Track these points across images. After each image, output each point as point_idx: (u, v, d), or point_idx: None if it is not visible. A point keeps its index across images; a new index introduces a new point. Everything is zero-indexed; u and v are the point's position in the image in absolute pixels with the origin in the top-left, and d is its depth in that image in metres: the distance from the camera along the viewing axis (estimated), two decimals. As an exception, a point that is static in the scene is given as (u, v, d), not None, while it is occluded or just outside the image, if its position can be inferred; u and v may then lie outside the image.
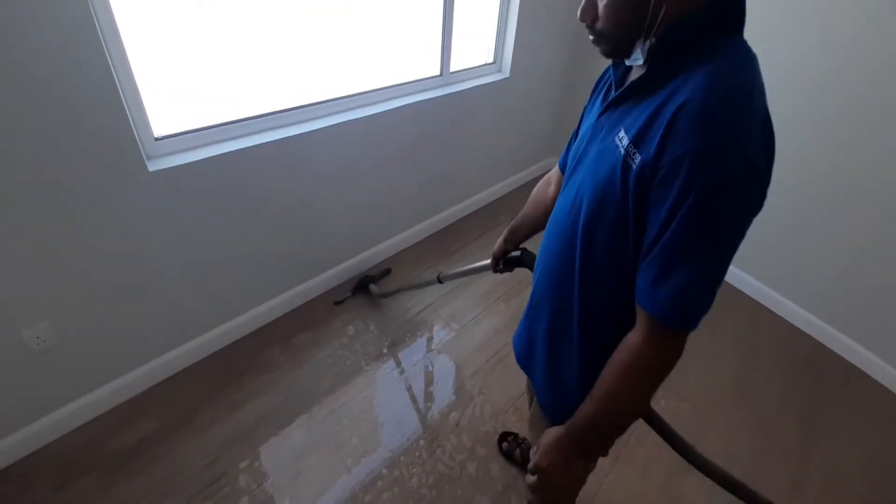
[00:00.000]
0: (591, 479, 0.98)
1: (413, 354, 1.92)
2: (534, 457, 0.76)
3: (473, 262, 1.40)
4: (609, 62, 0.74)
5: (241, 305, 1.85)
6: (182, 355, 1.72)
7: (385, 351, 1.92)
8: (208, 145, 1.51)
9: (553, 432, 0.75)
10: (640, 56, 0.62)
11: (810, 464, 1.65)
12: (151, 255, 1.48)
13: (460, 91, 2.18)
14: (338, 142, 1.80)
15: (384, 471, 1.51)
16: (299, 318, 2.00)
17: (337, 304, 2.07)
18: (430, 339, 1.99)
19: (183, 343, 1.72)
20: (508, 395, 1.78)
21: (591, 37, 0.67)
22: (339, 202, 1.96)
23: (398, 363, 1.88)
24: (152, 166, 1.37)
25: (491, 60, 2.42)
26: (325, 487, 1.46)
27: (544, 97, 2.82)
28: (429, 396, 1.77)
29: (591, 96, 0.83)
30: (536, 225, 1.09)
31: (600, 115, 0.72)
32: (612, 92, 0.72)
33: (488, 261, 1.27)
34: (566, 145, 0.92)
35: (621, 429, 0.72)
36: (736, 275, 2.37)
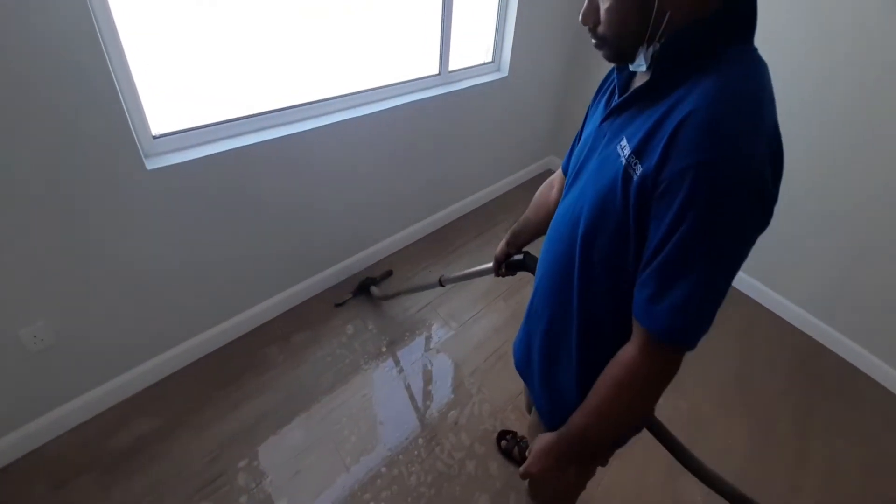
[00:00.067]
0: (591, 479, 0.99)
1: (412, 353, 1.92)
2: (526, 462, 0.77)
3: (475, 266, 1.37)
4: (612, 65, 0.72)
5: (240, 304, 1.85)
6: (180, 354, 1.72)
7: (384, 350, 1.91)
8: (207, 143, 1.50)
9: (545, 438, 0.75)
10: (644, 62, 0.60)
11: (809, 464, 1.66)
12: (149, 253, 1.47)
13: (459, 90, 2.18)
14: (336, 140, 1.80)
15: (383, 469, 1.51)
16: (298, 317, 2.00)
17: (338, 306, 2.06)
18: (428, 338, 1.99)
19: (181, 342, 1.72)
20: (507, 394, 1.78)
21: (593, 41, 0.65)
22: (337, 201, 1.96)
23: (397, 362, 1.88)
24: (150, 164, 1.36)
25: (490, 59, 2.42)
26: (324, 486, 1.46)
27: (543, 96, 2.82)
28: (428, 395, 1.77)
29: (596, 97, 0.81)
30: (538, 229, 1.06)
31: (603, 120, 0.70)
32: (616, 97, 0.70)
33: (490, 264, 1.24)
34: (570, 148, 0.90)
35: (614, 440, 0.71)
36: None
